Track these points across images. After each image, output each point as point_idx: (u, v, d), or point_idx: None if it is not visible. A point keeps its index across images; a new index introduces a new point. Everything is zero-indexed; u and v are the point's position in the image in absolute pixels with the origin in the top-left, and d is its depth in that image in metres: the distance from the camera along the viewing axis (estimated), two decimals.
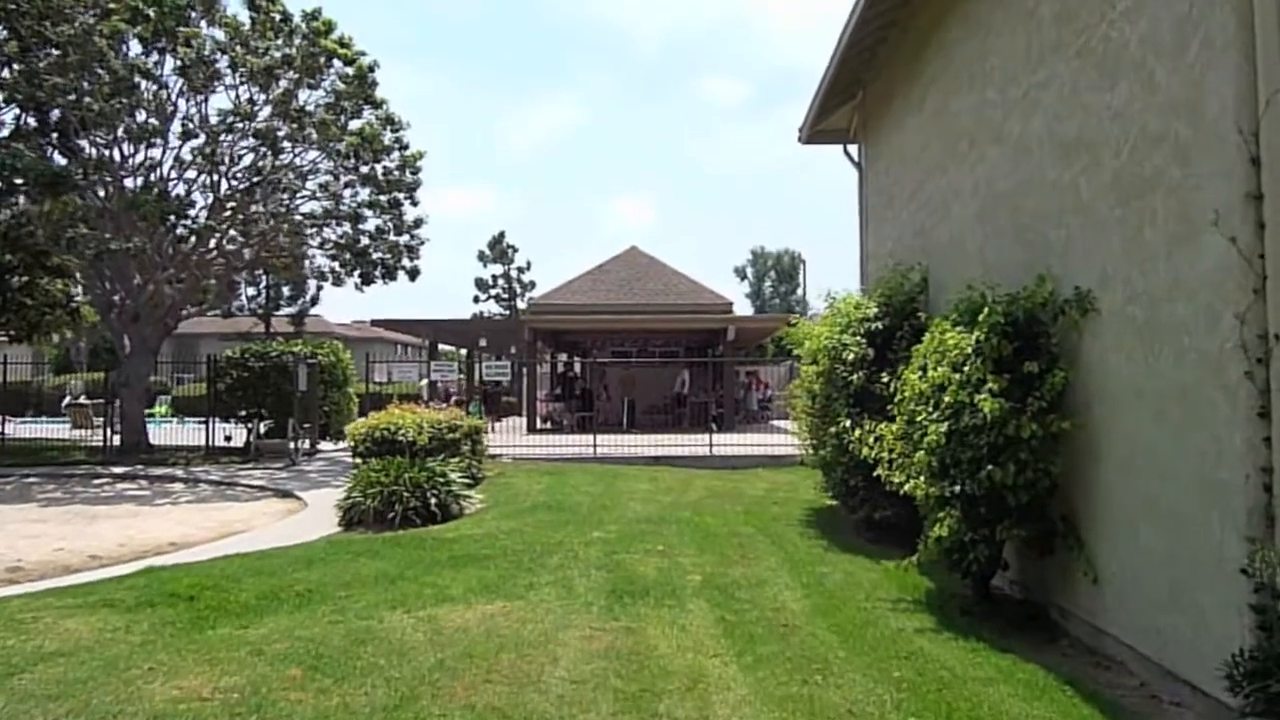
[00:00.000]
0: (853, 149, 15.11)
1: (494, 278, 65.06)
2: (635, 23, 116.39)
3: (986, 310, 6.99)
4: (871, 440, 8.16)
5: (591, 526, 11.06)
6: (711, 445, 18.97)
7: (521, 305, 64.10)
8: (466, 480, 12.90)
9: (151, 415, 33.82)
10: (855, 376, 10.08)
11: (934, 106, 10.62)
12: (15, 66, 17.48)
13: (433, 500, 11.65)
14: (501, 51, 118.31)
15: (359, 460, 12.69)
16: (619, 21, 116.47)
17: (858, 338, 10.18)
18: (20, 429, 27.45)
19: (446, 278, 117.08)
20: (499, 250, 65.14)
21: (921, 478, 7.30)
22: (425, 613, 7.01)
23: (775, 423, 29.70)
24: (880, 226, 13.46)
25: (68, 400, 30.82)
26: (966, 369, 6.92)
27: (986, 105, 8.94)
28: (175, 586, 7.62)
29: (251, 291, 54.45)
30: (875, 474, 9.25)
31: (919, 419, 7.47)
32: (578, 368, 29.86)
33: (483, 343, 28.47)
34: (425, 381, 29.42)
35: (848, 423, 8.91)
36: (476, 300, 64.48)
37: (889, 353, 10.22)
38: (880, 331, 10.26)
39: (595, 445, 18.77)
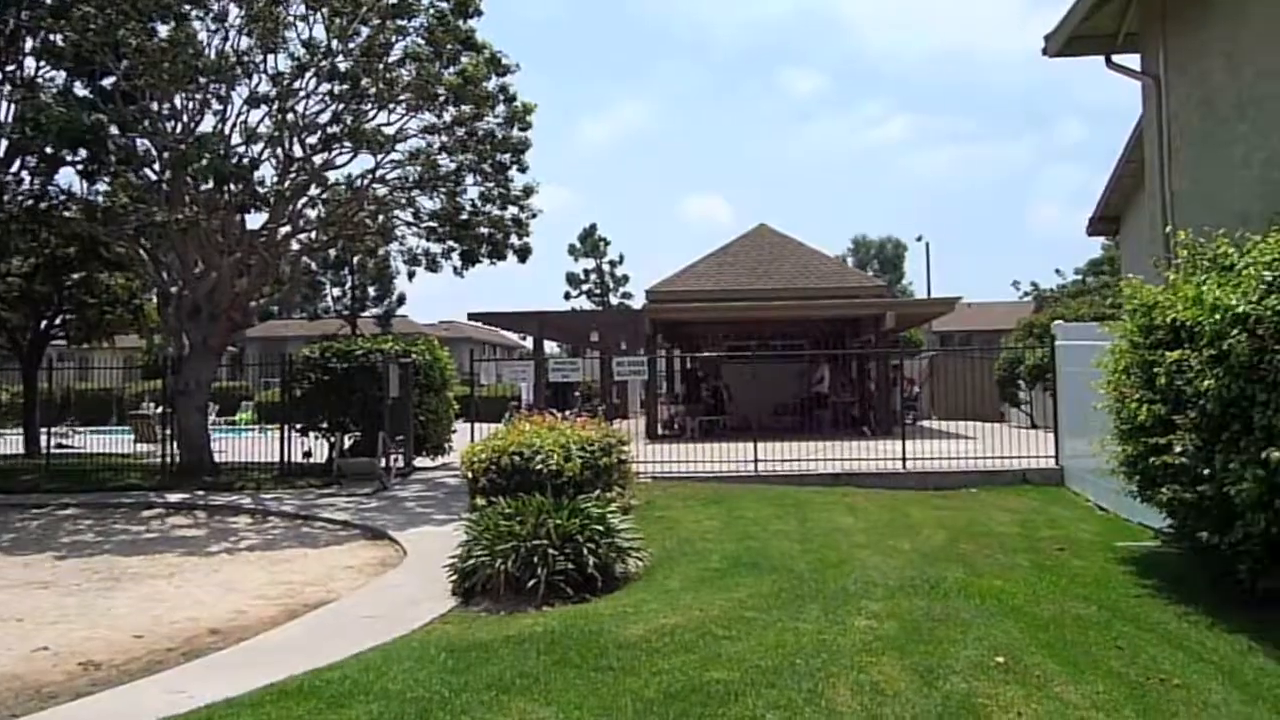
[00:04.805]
0: (1127, 60, 11.04)
1: (586, 272, 61.71)
2: (712, 22, 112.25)
3: None
4: None
5: (840, 605, 7.12)
6: (905, 459, 14.86)
7: (615, 300, 60.59)
8: (629, 523, 9.09)
9: (233, 424, 31.06)
10: None
11: None
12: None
13: (590, 560, 7.87)
14: (574, 50, 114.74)
15: (480, 501, 8.98)
16: (696, 18, 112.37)
17: None
18: (92, 440, 24.59)
19: (529, 276, 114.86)
20: (591, 243, 61.79)
21: None
22: None
23: (924, 424, 25.38)
24: (1216, 151, 9.27)
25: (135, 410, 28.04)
26: None
27: None
28: None
29: (337, 292, 52.28)
30: None
31: None
32: (687, 363, 26.07)
33: (594, 337, 24.81)
34: (523, 383, 25.86)
35: None
36: (568, 296, 61.22)
37: None
38: None
39: (756, 460, 14.81)
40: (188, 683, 5.67)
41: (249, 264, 17.04)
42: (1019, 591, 7.59)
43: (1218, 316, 6.65)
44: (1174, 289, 7.55)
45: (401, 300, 52.17)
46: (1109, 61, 11.13)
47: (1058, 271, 56.91)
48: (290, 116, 16.46)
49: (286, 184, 16.55)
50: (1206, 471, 6.85)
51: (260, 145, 16.74)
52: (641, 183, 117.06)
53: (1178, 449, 7.10)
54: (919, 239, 71.91)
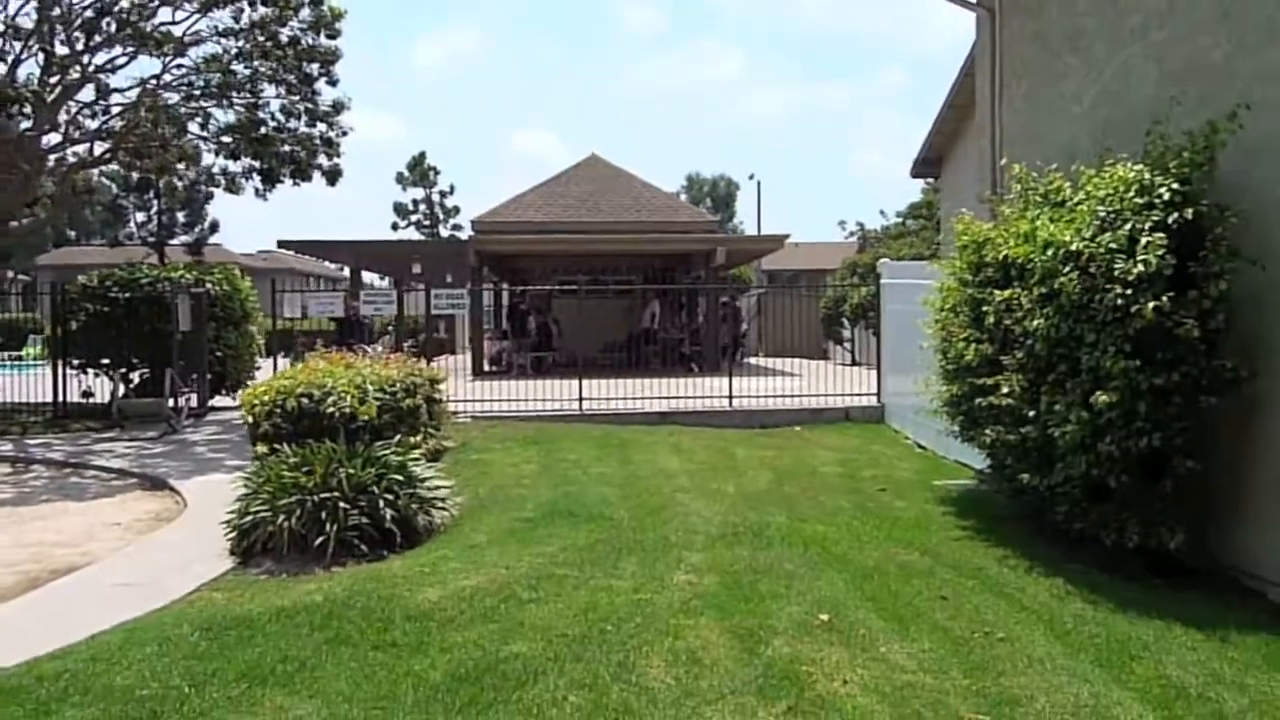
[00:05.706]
0: None
1: (414, 202, 59.16)
2: None
3: None
4: None
5: (659, 557, 6.62)
6: (731, 397, 14.59)
7: (445, 232, 58.46)
8: (435, 469, 8.29)
9: (19, 359, 28.26)
10: (1144, 306, 5.79)
11: None
12: None
13: (388, 513, 7.07)
14: None
15: (262, 449, 7.95)
16: None
17: (1155, 236, 5.83)
18: None
19: (355, 207, 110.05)
20: (420, 172, 59.13)
21: None
22: None
23: (751, 361, 25.45)
24: (1048, 85, 9.09)
25: None
26: None
27: None
28: None
29: (141, 217, 48.18)
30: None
31: None
32: (510, 295, 25.23)
33: (416, 269, 23.44)
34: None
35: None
36: (395, 227, 58.64)
37: (1194, 265, 5.99)
38: (1183, 228, 5.95)
39: (582, 398, 14.20)
40: None
41: (8, 177, 14.93)
42: (842, 538, 7.32)
43: (1050, 253, 6.40)
44: (1006, 225, 7.30)
45: (215, 228, 48.70)
46: None
47: (881, 213, 58.60)
48: (56, 10, 14.38)
49: (50, 85, 14.48)
50: (1031, 413, 6.67)
51: (21, 43, 14.58)
52: (473, 112, 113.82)
53: (1005, 390, 6.89)
54: (751, 177, 72.80)
